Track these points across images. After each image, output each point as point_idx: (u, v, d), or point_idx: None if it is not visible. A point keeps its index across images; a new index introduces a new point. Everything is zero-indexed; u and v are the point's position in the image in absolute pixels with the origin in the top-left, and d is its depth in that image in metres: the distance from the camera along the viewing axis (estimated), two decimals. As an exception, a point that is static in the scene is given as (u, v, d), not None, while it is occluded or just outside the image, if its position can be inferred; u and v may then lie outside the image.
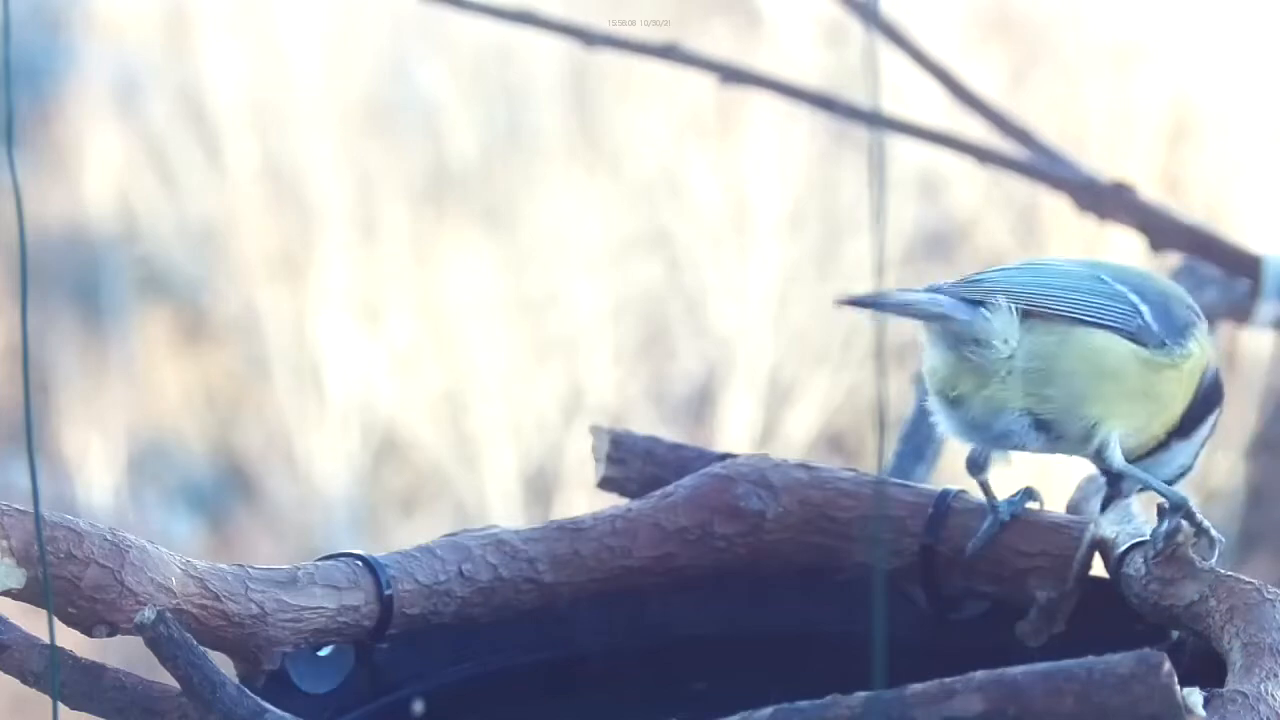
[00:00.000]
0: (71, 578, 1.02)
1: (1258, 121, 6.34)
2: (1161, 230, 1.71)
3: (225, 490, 6.76)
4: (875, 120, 1.22)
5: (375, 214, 6.73)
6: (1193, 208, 5.71)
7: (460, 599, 1.12)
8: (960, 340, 1.13)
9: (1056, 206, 2.62)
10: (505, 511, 6.24)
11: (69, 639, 1.03)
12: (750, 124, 6.50)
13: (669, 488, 1.17)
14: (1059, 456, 1.16)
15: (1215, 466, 6.09)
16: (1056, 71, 6.60)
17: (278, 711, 0.99)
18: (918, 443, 1.59)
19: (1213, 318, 1.25)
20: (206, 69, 6.90)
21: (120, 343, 6.85)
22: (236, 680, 1.03)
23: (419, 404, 6.62)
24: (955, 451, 1.18)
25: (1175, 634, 1.10)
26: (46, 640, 1.02)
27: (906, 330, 1.15)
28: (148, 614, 0.99)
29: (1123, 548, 1.12)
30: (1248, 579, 1.06)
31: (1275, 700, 0.96)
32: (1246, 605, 1.03)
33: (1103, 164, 2.47)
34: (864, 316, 1.18)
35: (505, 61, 6.77)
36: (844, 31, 6.02)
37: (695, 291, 6.67)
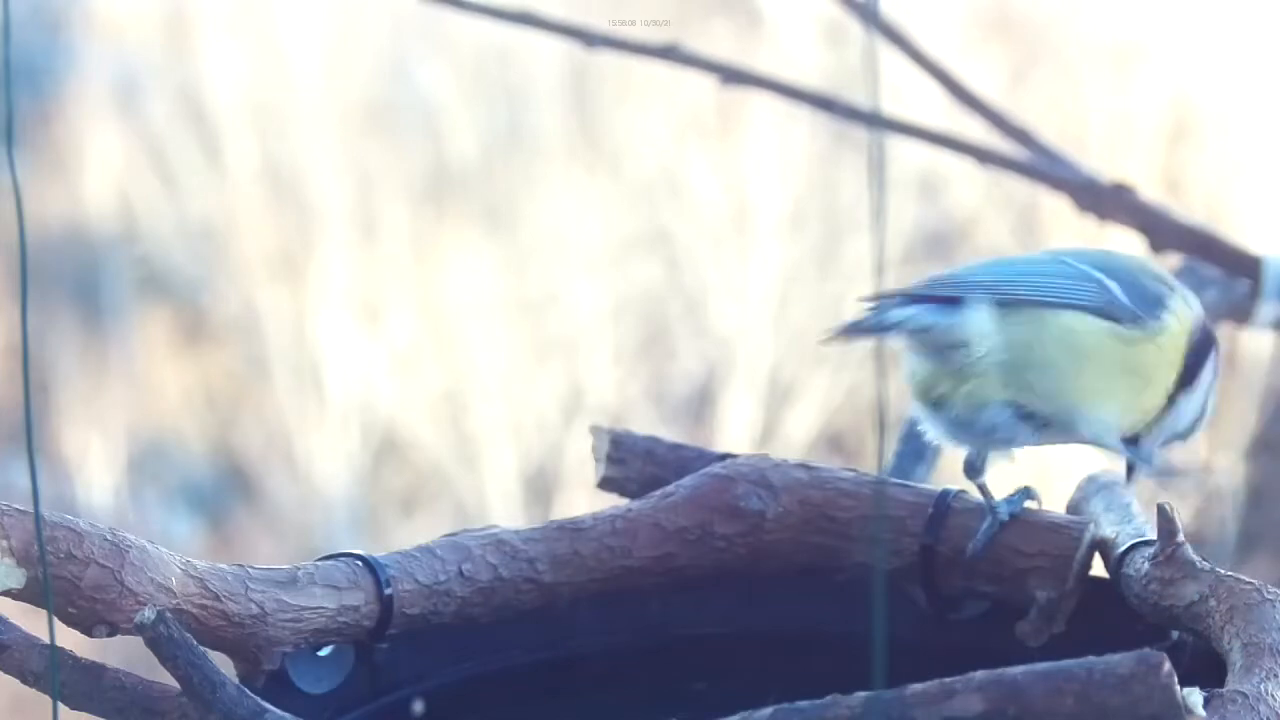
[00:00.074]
0: (71, 578, 1.02)
1: (1258, 121, 6.34)
2: (1161, 230, 1.71)
3: (225, 490, 6.76)
4: (875, 120, 1.22)
5: (375, 214, 6.73)
6: (1193, 208, 5.71)
7: (460, 599, 1.12)
8: (938, 344, 1.13)
9: (1056, 206, 2.61)
10: (505, 511, 6.24)
11: (69, 639, 1.03)
12: (750, 124, 6.50)
13: (669, 488, 1.17)
14: (1058, 455, 1.16)
15: (1215, 466, 6.08)
16: (1056, 71, 6.60)
17: (278, 711, 0.99)
18: (918, 443, 1.59)
19: (1213, 318, 1.24)
20: (206, 69, 6.90)
21: (120, 343, 6.85)
22: (236, 680, 1.03)
23: (419, 404, 6.62)
24: (955, 451, 1.18)
25: (1175, 634, 1.10)
26: (46, 640, 1.02)
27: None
28: (148, 614, 0.99)
29: (1123, 548, 1.12)
30: (1248, 579, 1.06)
31: (1275, 700, 0.96)
32: (1246, 605, 1.03)
33: (1103, 164, 2.47)
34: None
35: (505, 61, 6.77)
36: (844, 31, 6.02)
37: (695, 291, 6.67)
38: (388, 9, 6.67)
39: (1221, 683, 0.99)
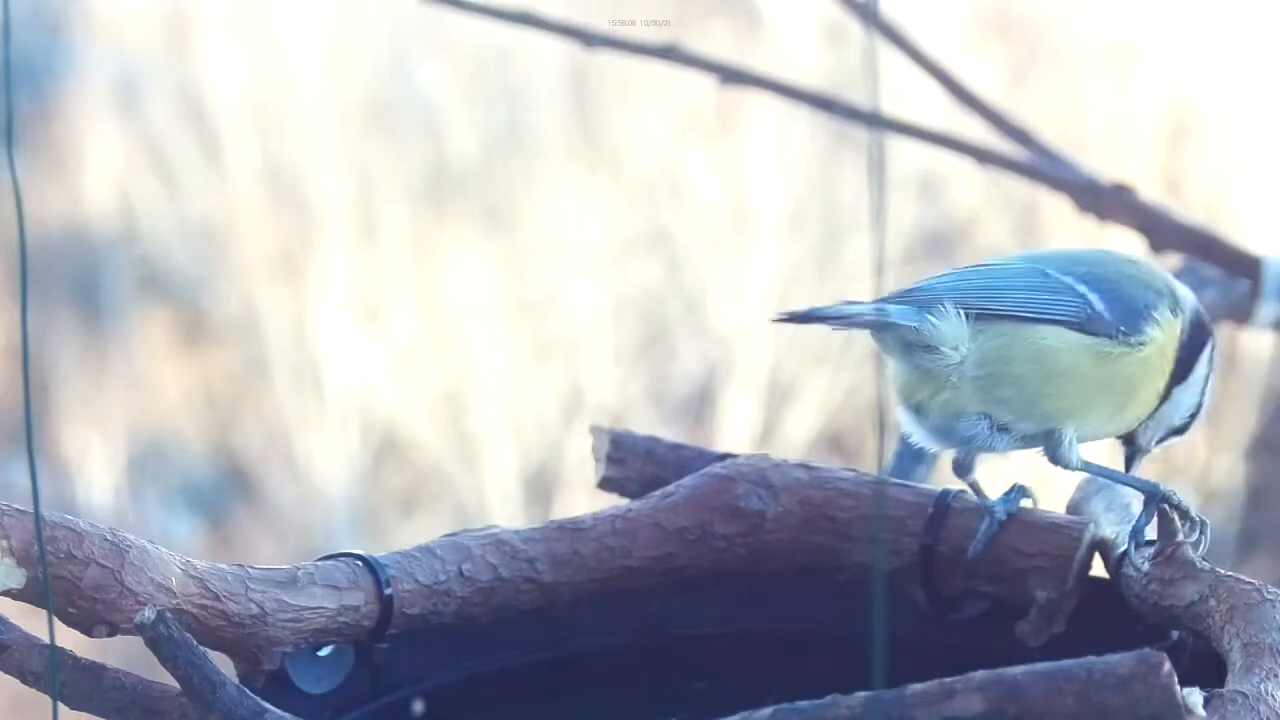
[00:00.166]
0: (71, 578, 1.02)
1: (1258, 121, 6.34)
2: (1161, 231, 1.71)
3: (225, 490, 6.76)
4: (875, 120, 1.22)
5: (375, 214, 6.73)
6: (1193, 208, 5.71)
7: (460, 599, 1.12)
8: (911, 348, 1.12)
9: (1056, 206, 2.62)
10: (505, 511, 6.24)
11: (69, 639, 1.03)
12: (750, 124, 6.49)
13: (669, 488, 1.17)
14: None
15: (1215, 466, 6.09)
16: (1056, 71, 6.59)
17: (278, 711, 0.99)
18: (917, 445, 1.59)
19: (1213, 318, 1.24)
20: (206, 69, 6.90)
21: (120, 343, 6.85)
22: (236, 680, 1.03)
23: (419, 404, 6.62)
24: (947, 452, 1.18)
25: (1175, 634, 1.10)
26: (46, 640, 1.02)
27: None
28: (148, 614, 0.99)
29: (1123, 548, 1.12)
30: (1248, 579, 1.06)
31: (1275, 700, 0.96)
32: (1246, 605, 1.03)
33: (1103, 164, 2.47)
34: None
35: (505, 61, 6.77)
36: (844, 31, 6.02)
37: (695, 291, 6.67)
38: (388, 9, 6.67)
39: (1221, 683, 0.99)
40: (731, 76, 1.73)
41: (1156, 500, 1.10)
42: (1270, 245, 1.82)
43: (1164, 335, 1.14)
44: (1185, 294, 1.16)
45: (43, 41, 6.76)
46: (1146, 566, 1.09)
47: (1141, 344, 1.13)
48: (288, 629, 1.07)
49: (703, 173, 6.64)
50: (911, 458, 1.58)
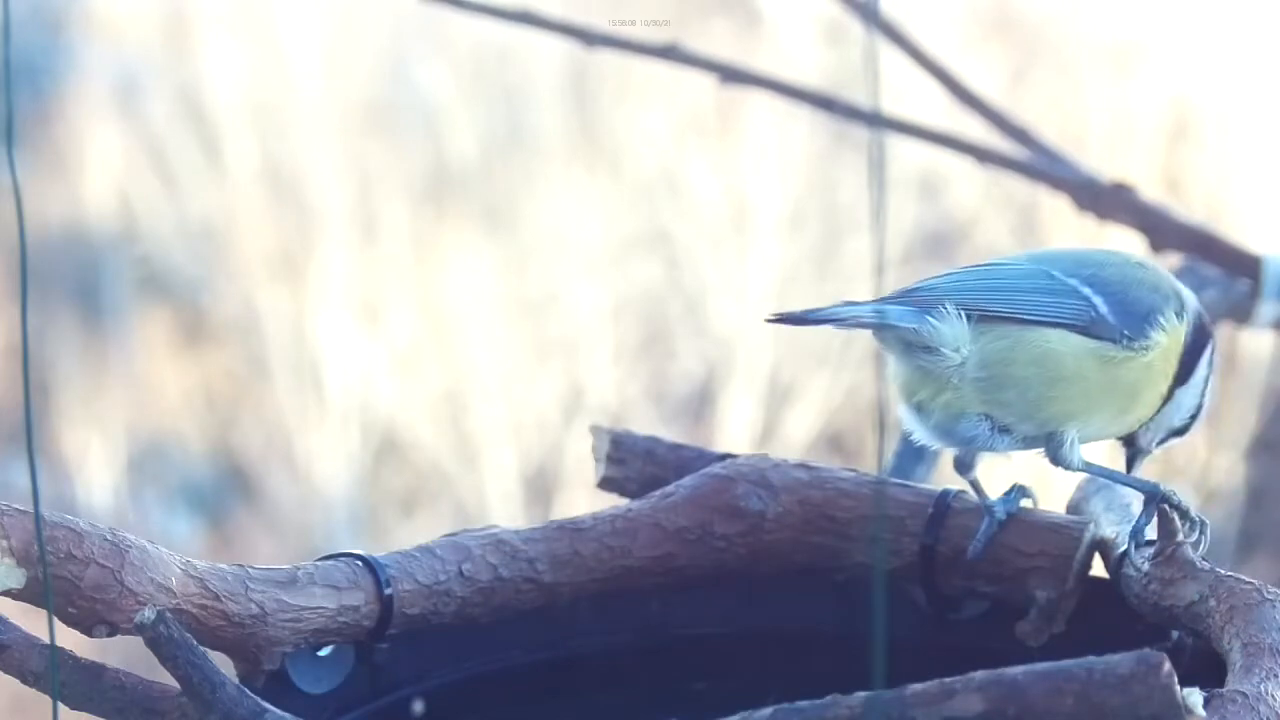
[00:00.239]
0: (71, 578, 1.02)
1: (1258, 121, 6.34)
2: (1161, 230, 1.71)
3: (225, 490, 6.76)
4: (875, 120, 1.22)
5: (375, 214, 6.73)
6: (1193, 208, 5.71)
7: (460, 599, 1.12)
8: (912, 348, 1.12)
9: (1056, 206, 2.61)
10: (505, 511, 6.24)
11: (69, 639, 1.03)
12: (750, 124, 6.49)
13: (669, 488, 1.17)
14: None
15: (1215, 466, 6.09)
16: (1056, 71, 6.59)
17: (278, 711, 0.99)
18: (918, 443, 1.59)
19: (1213, 318, 1.24)
20: (206, 69, 6.90)
21: (120, 343, 6.85)
22: (236, 680, 1.03)
23: (419, 404, 6.62)
24: (949, 450, 1.18)
25: (1175, 634, 1.10)
26: (46, 640, 1.02)
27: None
28: (148, 614, 0.99)
29: (1123, 548, 1.12)
30: (1248, 579, 1.06)
31: (1275, 700, 0.96)
32: (1246, 605, 1.03)
33: (1103, 164, 2.47)
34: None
35: (505, 61, 6.77)
36: (844, 31, 6.02)
37: (695, 291, 6.67)
38: (388, 9, 6.67)
39: (1221, 683, 0.99)
40: (731, 76, 1.73)
41: (1156, 500, 1.10)
42: (1270, 245, 1.82)
43: (1168, 339, 1.13)
44: (1188, 296, 1.16)
45: (43, 41, 6.76)
46: (1146, 566, 1.09)
47: (1146, 348, 1.13)
48: (288, 629, 1.07)
49: (703, 173, 6.64)
50: (912, 457, 1.58)
